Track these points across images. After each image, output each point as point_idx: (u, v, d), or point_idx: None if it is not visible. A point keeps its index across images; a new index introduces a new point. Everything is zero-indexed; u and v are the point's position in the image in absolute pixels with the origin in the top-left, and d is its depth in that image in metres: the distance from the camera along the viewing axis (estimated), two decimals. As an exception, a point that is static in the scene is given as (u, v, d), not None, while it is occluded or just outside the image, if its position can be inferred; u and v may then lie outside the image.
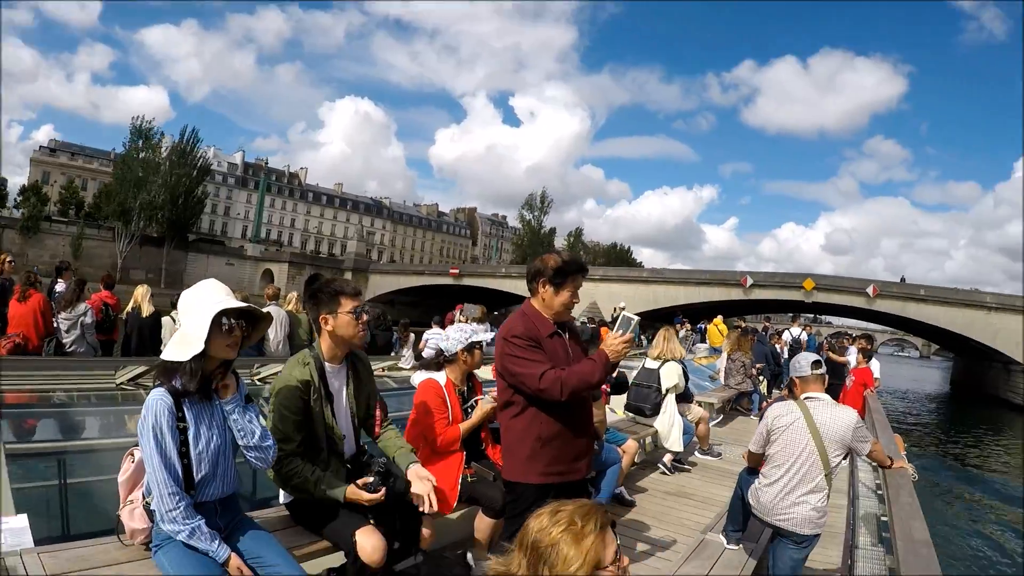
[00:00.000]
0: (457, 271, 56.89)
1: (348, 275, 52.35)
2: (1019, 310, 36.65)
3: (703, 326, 22.22)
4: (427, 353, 6.57)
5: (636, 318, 2.96)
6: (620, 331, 2.89)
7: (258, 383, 5.27)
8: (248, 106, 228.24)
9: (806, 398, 3.77)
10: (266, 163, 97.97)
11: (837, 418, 3.64)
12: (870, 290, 38.80)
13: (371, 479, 2.69)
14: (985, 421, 32.70)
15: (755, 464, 3.98)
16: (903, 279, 45.58)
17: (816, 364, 3.84)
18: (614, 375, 4.63)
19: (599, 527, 1.52)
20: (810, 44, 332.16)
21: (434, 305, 38.27)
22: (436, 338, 5.15)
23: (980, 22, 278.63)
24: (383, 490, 2.66)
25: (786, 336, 16.56)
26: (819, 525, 3.65)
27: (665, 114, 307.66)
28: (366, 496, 2.65)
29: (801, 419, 3.64)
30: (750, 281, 41.70)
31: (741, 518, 4.12)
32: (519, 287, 44.67)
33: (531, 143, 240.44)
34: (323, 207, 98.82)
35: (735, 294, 42.34)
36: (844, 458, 3.74)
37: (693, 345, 18.14)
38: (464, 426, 3.81)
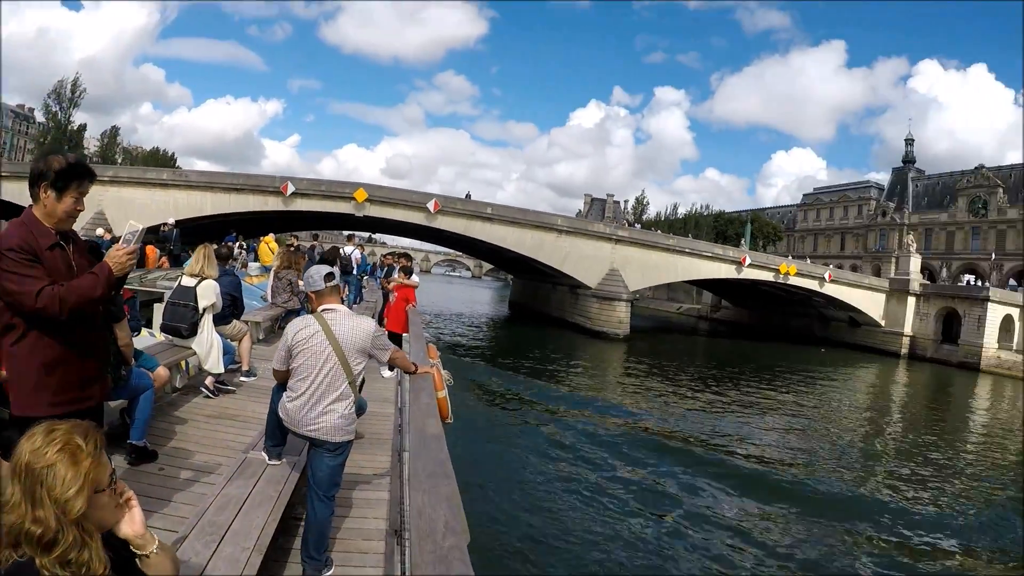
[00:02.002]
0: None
1: None
2: (589, 234, 46.02)
3: (255, 244, 25.09)
4: None
5: (141, 227, 3.38)
6: (125, 242, 3.30)
7: None
8: None
9: (323, 310, 4.58)
10: None
11: (356, 328, 4.53)
12: (431, 205, 43.13)
13: None
14: (553, 343, 40.21)
15: (282, 380, 4.74)
16: (468, 195, 51.51)
17: (329, 276, 4.65)
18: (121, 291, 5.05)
19: (97, 448, 1.82)
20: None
21: None
22: None
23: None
24: None
25: (341, 254, 18.80)
26: (349, 432, 4.55)
27: (241, 17, 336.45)
28: None
29: (320, 332, 4.46)
30: (291, 188, 41.76)
31: (279, 433, 4.98)
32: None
33: (90, 32, 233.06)
34: None
35: (274, 203, 42.08)
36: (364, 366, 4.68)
37: (246, 264, 20.37)
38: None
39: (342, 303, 4.87)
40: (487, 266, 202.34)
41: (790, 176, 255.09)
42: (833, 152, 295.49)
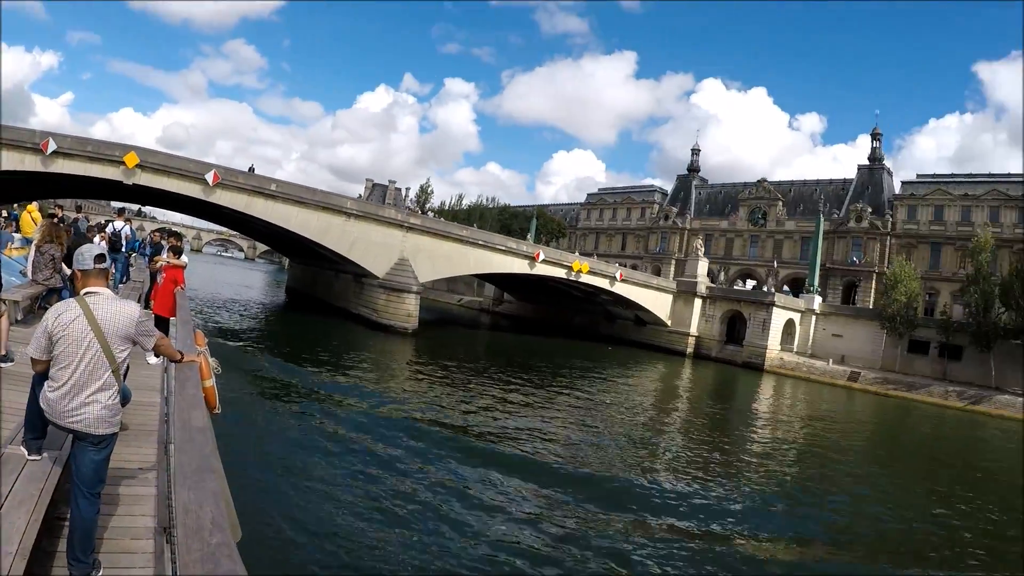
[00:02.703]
0: None
1: None
2: (380, 220, 46.19)
3: (16, 213, 24.14)
4: None
5: None
6: None
7: None
8: None
9: (86, 293, 4.69)
10: None
11: (119, 313, 4.66)
12: (210, 177, 41.27)
13: None
14: (336, 336, 40.44)
15: (41, 371, 4.76)
16: (252, 169, 49.19)
17: (99, 258, 4.77)
18: None
19: None
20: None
21: None
22: None
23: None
24: None
25: (109, 229, 19.49)
26: (113, 424, 4.66)
27: None
28: None
29: (82, 316, 4.56)
30: (53, 146, 37.94)
31: (39, 424, 4.99)
32: None
33: None
34: None
35: (32, 163, 37.25)
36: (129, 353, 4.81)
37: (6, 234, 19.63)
38: None
39: (109, 286, 4.95)
40: (261, 247, 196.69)
41: (569, 175, 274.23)
42: (613, 156, 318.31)
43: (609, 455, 20.92)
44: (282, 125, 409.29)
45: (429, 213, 78.90)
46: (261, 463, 14.52)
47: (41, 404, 4.71)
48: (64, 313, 4.57)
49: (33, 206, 23.15)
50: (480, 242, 50.99)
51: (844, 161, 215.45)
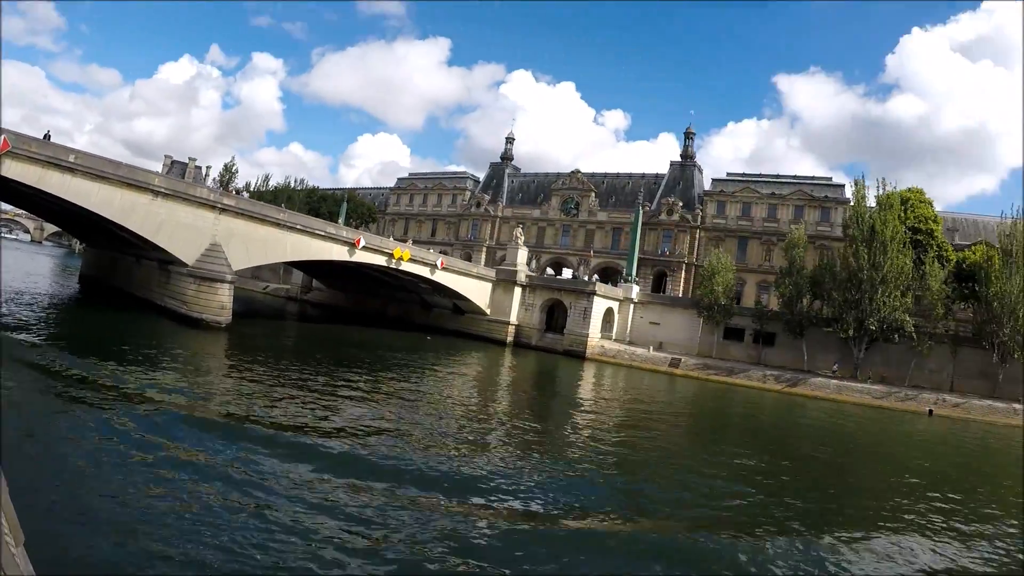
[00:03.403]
0: None
1: None
2: (191, 200, 44.71)
3: None
4: None
5: None
6: None
7: None
8: None
9: None
10: None
11: None
12: None
13: None
14: (140, 331, 39.40)
15: None
16: (48, 136, 46.21)
17: None
18: None
19: None
20: None
21: None
22: None
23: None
24: None
25: None
26: None
27: None
28: None
29: None
30: None
31: None
32: None
33: None
34: None
35: None
36: None
37: None
38: None
39: None
40: (50, 228, 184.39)
41: (374, 159, 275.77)
42: (419, 141, 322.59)
43: (433, 445, 22.09)
44: (76, 94, 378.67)
45: (244, 194, 77.70)
46: (53, 466, 14.45)
47: None
48: None
49: None
50: (299, 227, 51.07)
51: (646, 157, 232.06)
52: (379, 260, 56.96)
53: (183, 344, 37.39)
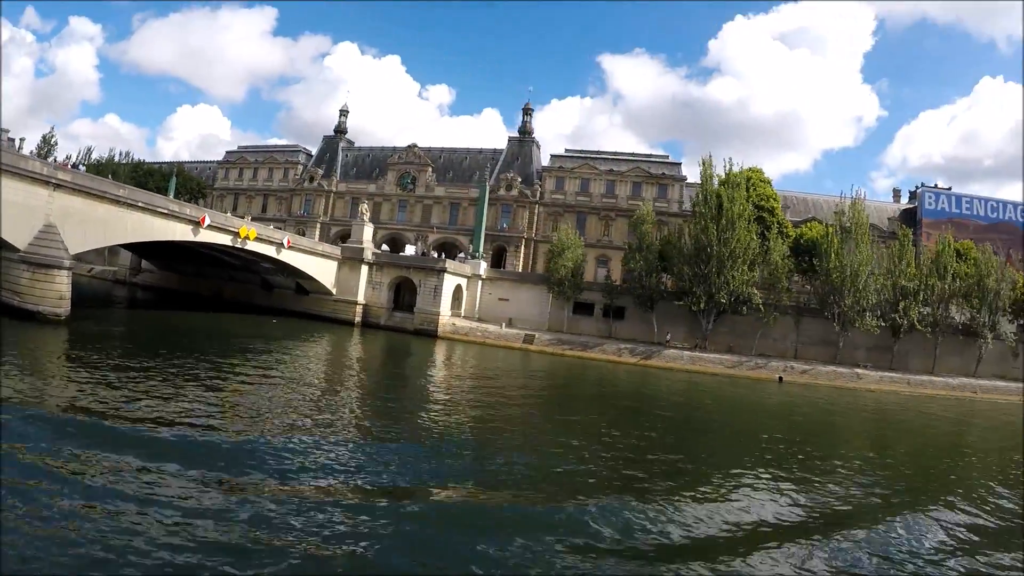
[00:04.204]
0: None
1: None
2: (21, 174, 38.60)
3: None
4: None
5: None
6: None
7: None
8: None
9: None
10: None
11: None
12: None
13: None
14: None
15: None
16: None
17: None
18: None
19: None
20: None
21: None
22: None
23: None
24: None
25: None
26: None
27: None
28: None
29: None
30: None
31: None
32: None
33: None
34: None
35: None
36: None
37: None
38: None
39: None
40: None
41: (193, 132, 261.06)
42: (240, 114, 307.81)
43: (283, 430, 21.55)
44: None
45: (81, 167, 69.84)
46: None
47: None
48: None
49: None
50: (140, 204, 45.80)
51: (472, 132, 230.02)
52: (224, 239, 53.25)
53: (18, 341, 31.85)
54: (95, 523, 12.17)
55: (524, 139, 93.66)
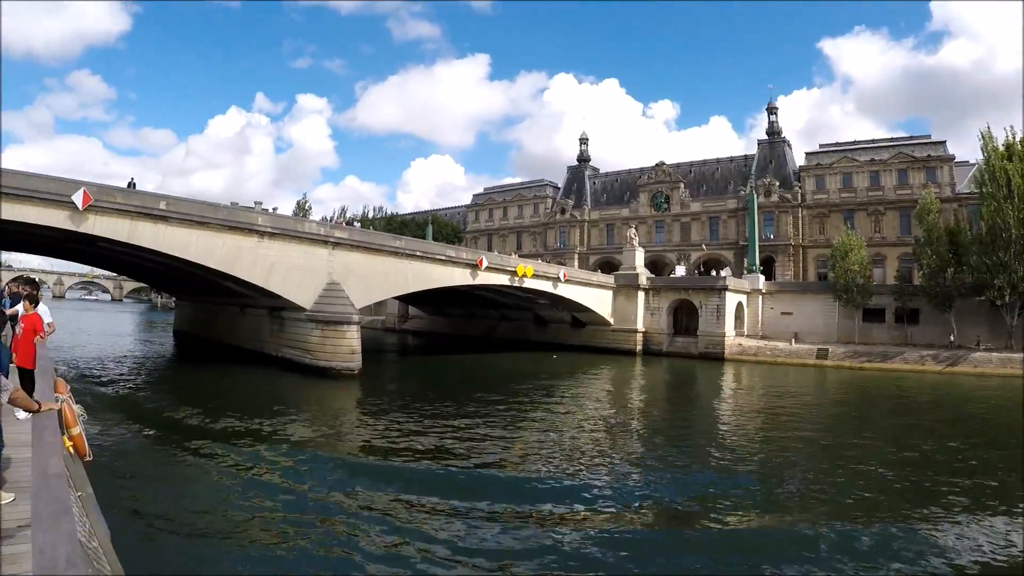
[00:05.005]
0: None
1: None
2: (300, 237, 38.04)
3: None
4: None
5: None
6: None
7: None
8: None
9: None
10: None
11: None
12: (79, 197, 31.41)
13: None
14: (260, 388, 33.08)
15: None
16: (133, 184, 40.20)
17: None
18: None
19: None
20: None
21: None
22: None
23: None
24: None
25: None
26: None
27: None
28: None
29: None
30: None
31: None
32: None
33: None
34: None
35: None
36: None
37: None
38: None
39: None
40: (129, 286, 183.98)
41: (428, 182, 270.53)
42: (471, 159, 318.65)
43: (575, 460, 20.60)
44: (133, 157, 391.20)
45: (356, 224, 70.06)
46: (180, 505, 14.31)
47: None
48: None
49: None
50: (418, 253, 43.83)
51: (700, 144, 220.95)
52: (502, 279, 49.85)
53: (314, 396, 31.59)
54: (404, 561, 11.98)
55: (774, 140, 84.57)
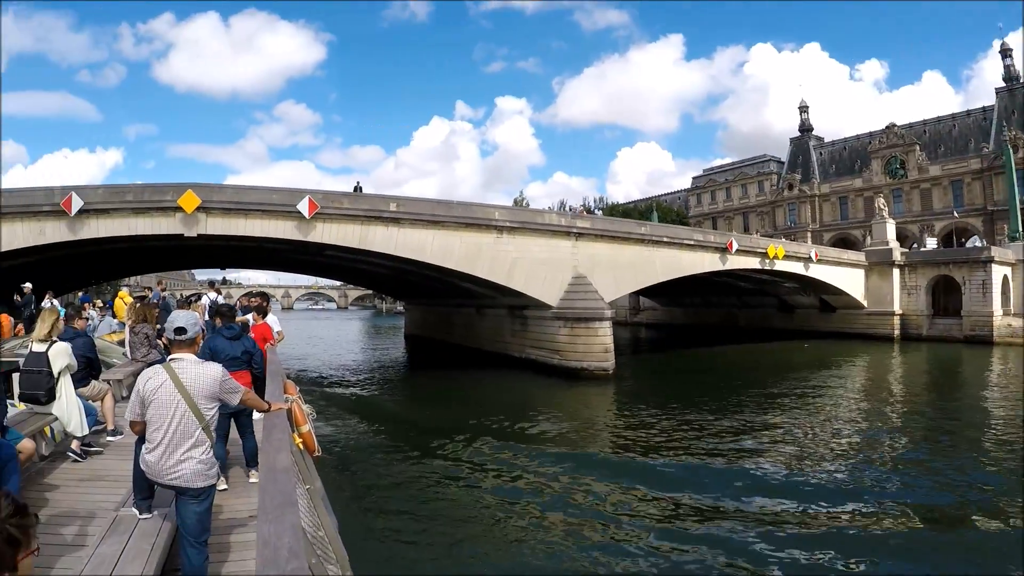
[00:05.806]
0: None
1: None
2: (540, 229, 33.97)
3: (111, 301, 25.07)
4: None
5: None
6: None
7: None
8: None
9: (171, 359, 5.04)
10: None
11: (203, 375, 4.95)
12: (305, 206, 29.11)
13: None
14: (510, 392, 29.64)
15: (139, 432, 5.12)
16: (359, 188, 37.84)
17: (179, 331, 5.08)
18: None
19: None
20: (234, 2, 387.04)
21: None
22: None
23: (405, 1, 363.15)
24: None
25: (204, 301, 19.00)
26: (210, 476, 4.85)
27: (70, 64, 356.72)
28: None
29: (168, 381, 4.84)
30: (78, 203, 26.65)
31: (146, 486, 5.46)
32: None
33: None
34: None
35: (54, 231, 26.62)
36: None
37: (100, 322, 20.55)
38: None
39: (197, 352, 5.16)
40: (353, 294, 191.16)
41: (637, 171, 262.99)
42: (677, 143, 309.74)
43: (828, 457, 17.82)
44: (345, 175, 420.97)
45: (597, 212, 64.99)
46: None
47: (141, 466, 5.01)
48: (151, 379, 4.85)
49: (125, 292, 24.77)
50: (666, 239, 38.48)
51: (916, 104, 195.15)
52: (753, 263, 43.66)
53: (563, 399, 27.71)
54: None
55: (1013, 87, 71.13)
